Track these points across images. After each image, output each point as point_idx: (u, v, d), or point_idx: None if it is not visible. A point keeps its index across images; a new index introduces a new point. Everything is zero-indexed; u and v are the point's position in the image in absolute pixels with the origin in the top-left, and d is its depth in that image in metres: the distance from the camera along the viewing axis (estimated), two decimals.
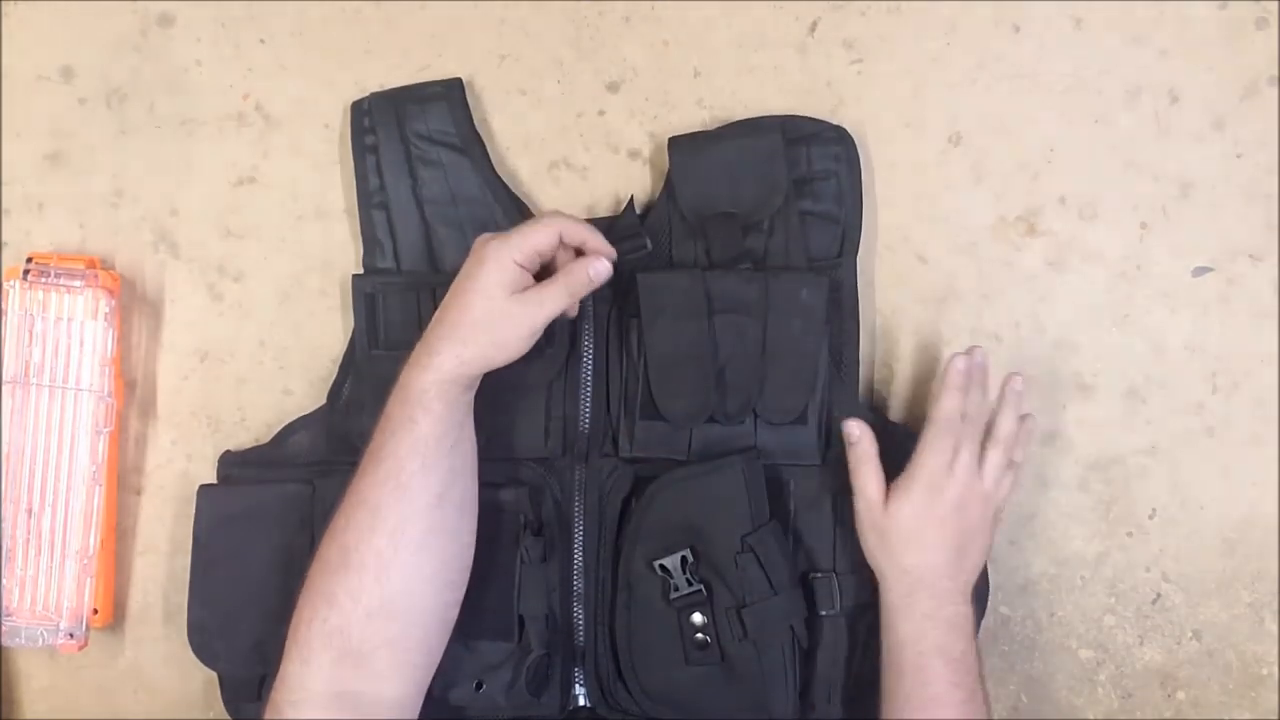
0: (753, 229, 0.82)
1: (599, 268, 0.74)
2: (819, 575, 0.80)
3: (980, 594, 0.82)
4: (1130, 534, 0.87)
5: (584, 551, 0.82)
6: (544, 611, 0.80)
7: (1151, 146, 0.86)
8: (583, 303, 0.83)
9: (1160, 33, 0.85)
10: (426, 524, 0.72)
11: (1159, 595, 0.87)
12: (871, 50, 0.87)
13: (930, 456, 0.77)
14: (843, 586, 0.80)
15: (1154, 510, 0.87)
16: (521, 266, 0.72)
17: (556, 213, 0.75)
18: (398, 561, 0.71)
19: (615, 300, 0.82)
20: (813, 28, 0.87)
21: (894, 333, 0.87)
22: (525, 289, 0.73)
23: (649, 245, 0.83)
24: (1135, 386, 0.86)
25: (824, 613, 0.79)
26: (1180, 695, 0.87)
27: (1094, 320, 0.86)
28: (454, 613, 0.75)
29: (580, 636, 0.82)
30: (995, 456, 0.78)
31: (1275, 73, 0.85)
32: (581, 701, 0.82)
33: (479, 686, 0.80)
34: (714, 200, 0.82)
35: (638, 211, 0.85)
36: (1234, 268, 0.86)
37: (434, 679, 0.79)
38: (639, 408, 0.81)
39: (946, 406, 0.77)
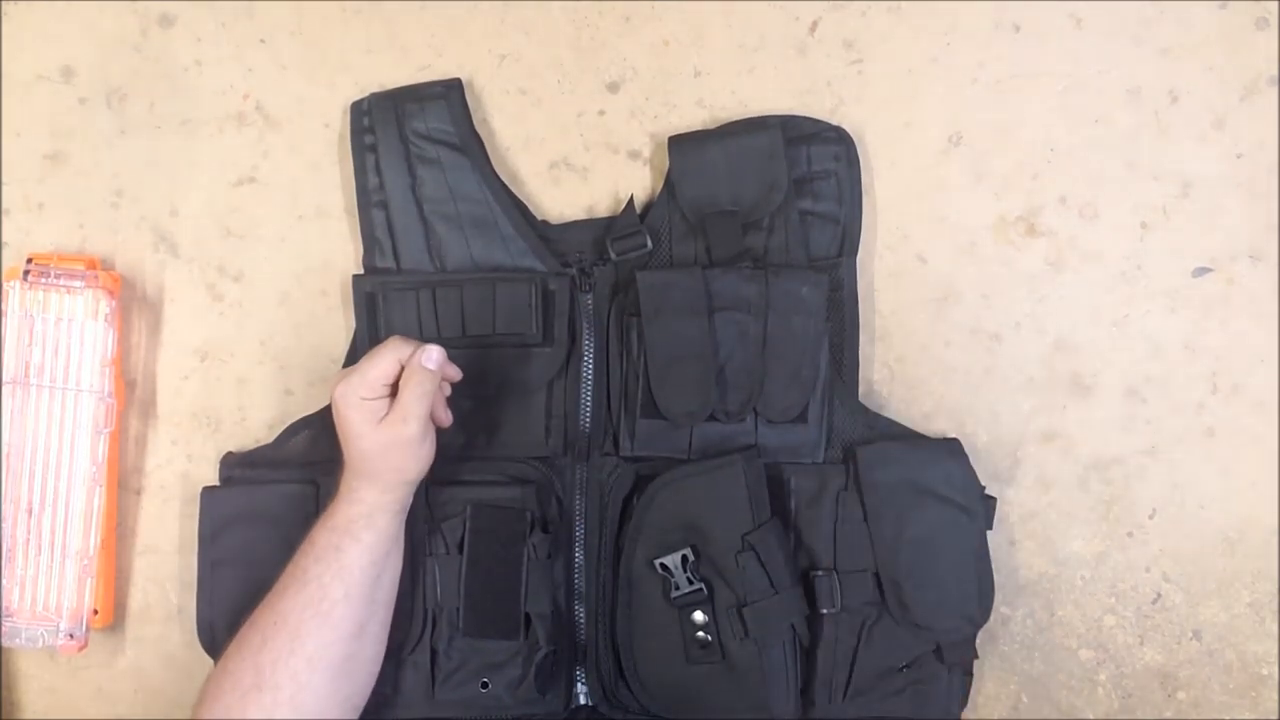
0: (752, 227, 0.82)
1: (429, 355, 0.74)
2: (820, 573, 0.80)
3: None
4: (1130, 534, 0.87)
5: (585, 550, 0.82)
6: (550, 609, 0.80)
7: (1151, 146, 0.86)
8: (583, 301, 0.83)
9: (1160, 33, 0.85)
10: (345, 652, 0.73)
11: (1159, 595, 0.87)
12: (872, 50, 0.87)
13: None
14: (843, 584, 0.80)
15: (1154, 510, 0.87)
16: (373, 399, 0.73)
17: (395, 338, 0.75)
18: (313, 685, 0.72)
19: (615, 299, 0.83)
20: (813, 28, 0.87)
21: (894, 333, 0.87)
22: (388, 413, 0.73)
23: (649, 244, 0.83)
24: (1135, 386, 0.86)
25: (825, 611, 0.79)
26: (1180, 695, 0.87)
27: (1094, 320, 0.86)
28: None
29: (581, 634, 0.82)
30: None
31: (1275, 73, 0.85)
32: (583, 700, 0.82)
33: (484, 686, 0.80)
34: (714, 198, 0.82)
35: (637, 210, 0.85)
36: (1234, 268, 0.86)
37: (438, 680, 0.80)
38: (639, 406, 0.81)
39: None
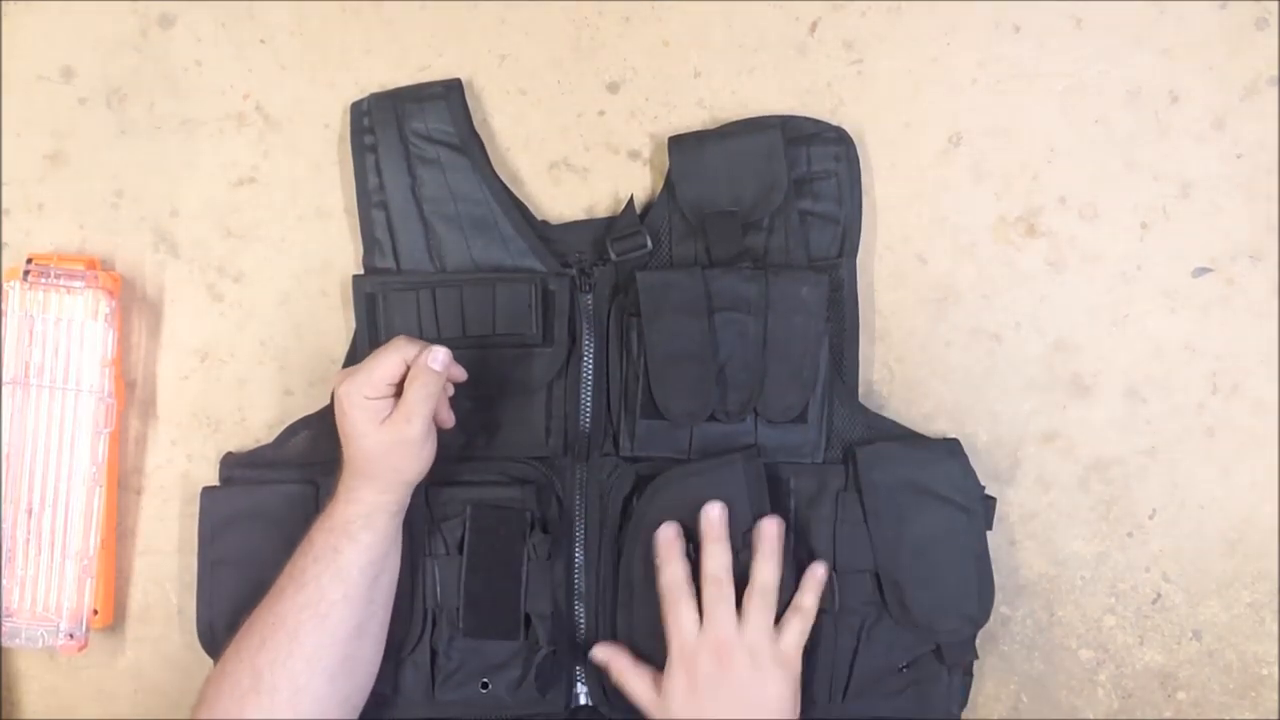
0: (752, 227, 0.82)
1: (435, 356, 0.73)
2: None
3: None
4: (1130, 534, 0.87)
5: (585, 550, 0.82)
6: (550, 609, 0.80)
7: (1152, 147, 0.86)
8: (583, 302, 0.83)
9: (1160, 33, 0.85)
10: (343, 653, 0.73)
11: (1159, 595, 0.87)
12: (872, 50, 0.87)
13: (672, 630, 0.75)
14: (843, 585, 0.80)
15: (1154, 510, 0.87)
16: (376, 398, 0.73)
17: (401, 338, 0.75)
18: (311, 687, 0.72)
19: (615, 299, 0.83)
20: (813, 28, 0.87)
21: (894, 333, 0.87)
22: (391, 413, 0.73)
23: (649, 244, 0.83)
24: (1135, 386, 0.86)
25: (825, 609, 0.79)
26: (1180, 695, 0.87)
27: (1094, 320, 0.86)
28: None
29: (581, 634, 0.82)
30: (752, 604, 0.75)
31: (1275, 73, 0.85)
32: (583, 700, 0.82)
33: (484, 686, 0.80)
34: (714, 198, 0.82)
35: (637, 210, 0.85)
36: (1234, 268, 0.86)
37: (438, 680, 0.80)
38: (639, 407, 0.81)
39: (665, 575, 0.76)
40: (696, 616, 0.75)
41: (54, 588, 0.86)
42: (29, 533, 0.86)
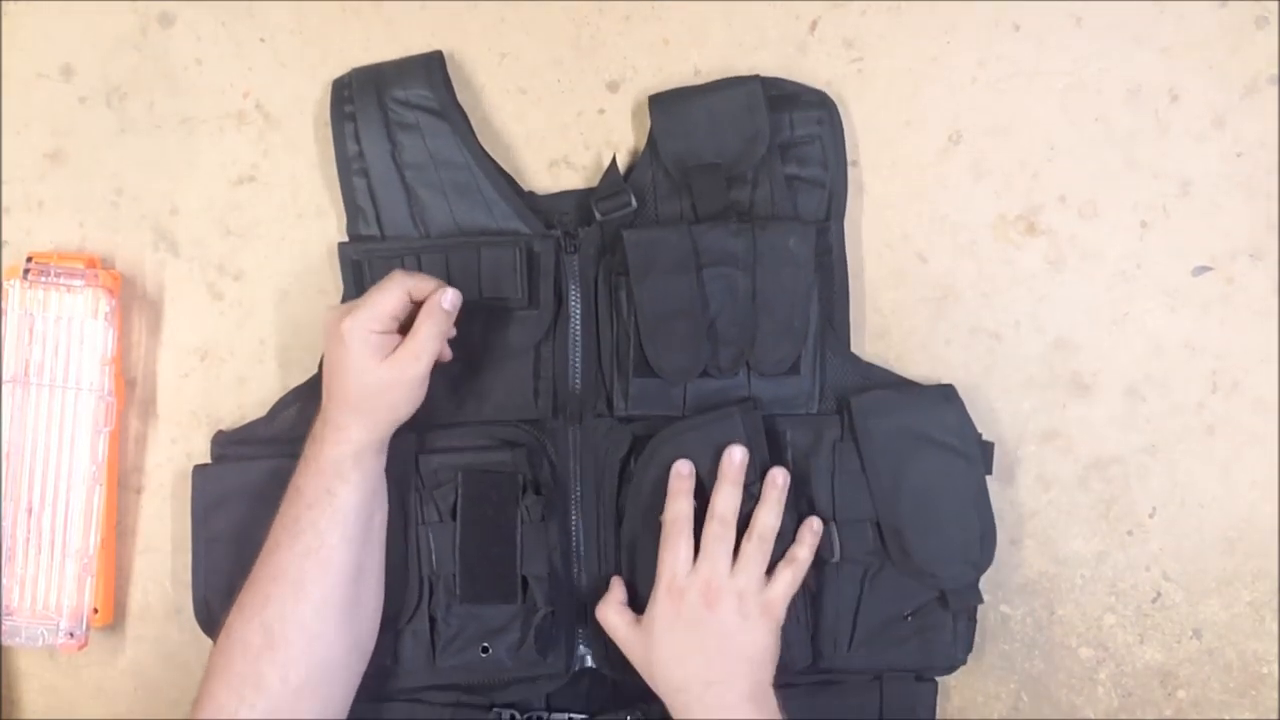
0: (737, 180, 0.82)
1: (447, 296, 0.74)
2: None
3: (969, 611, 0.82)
4: (1130, 533, 0.87)
5: (583, 512, 0.82)
6: (546, 570, 0.80)
7: (1152, 145, 0.86)
8: (569, 263, 0.82)
9: (1160, 31, 0.85)
10: (349, 596, 0.74)
11: (1159, 594, 0.87)
12: (872, 49, 0.87)
13: (667, 559, 0.76)
14: (844, 535, 0.79)
15: (1154, 509, 0.87)
16: (381, 333, 0.74)
17: (399, 272, 0.75)
18: (324, 634, 0.72)
19: (602, 259, 0.82)
20: (813, 26, 0.87)
21: (894, 331, 0.87)
22: (395, 349, 0.74)
23: (633, 203, 0.83)
24: (1135, 385, 0.86)
25: (826, 560, 0.79)
26: (1180, 694, 0.87)
27: (1094, 319, 0.86)
28: (358, 680, 0.76)
29: (584, 597, 0.82)
30: (749, 549, 0.76)
31: (1275, 72, 0.85)
32: (587, 662, 0.83)
33: (485, 651, 0.80)
34: (697, 152, 0.82)
35: (621, 170, 0.85)
36: (1234, 267, 0.86)
37: (438, 647, 0.80)
38: (631, 366, 0.80)
39: (671, 509, 0.77)
40: (693, 554, 0.76)
41: (54, 586, 0.86)
42: (29, 531, 0.86)
